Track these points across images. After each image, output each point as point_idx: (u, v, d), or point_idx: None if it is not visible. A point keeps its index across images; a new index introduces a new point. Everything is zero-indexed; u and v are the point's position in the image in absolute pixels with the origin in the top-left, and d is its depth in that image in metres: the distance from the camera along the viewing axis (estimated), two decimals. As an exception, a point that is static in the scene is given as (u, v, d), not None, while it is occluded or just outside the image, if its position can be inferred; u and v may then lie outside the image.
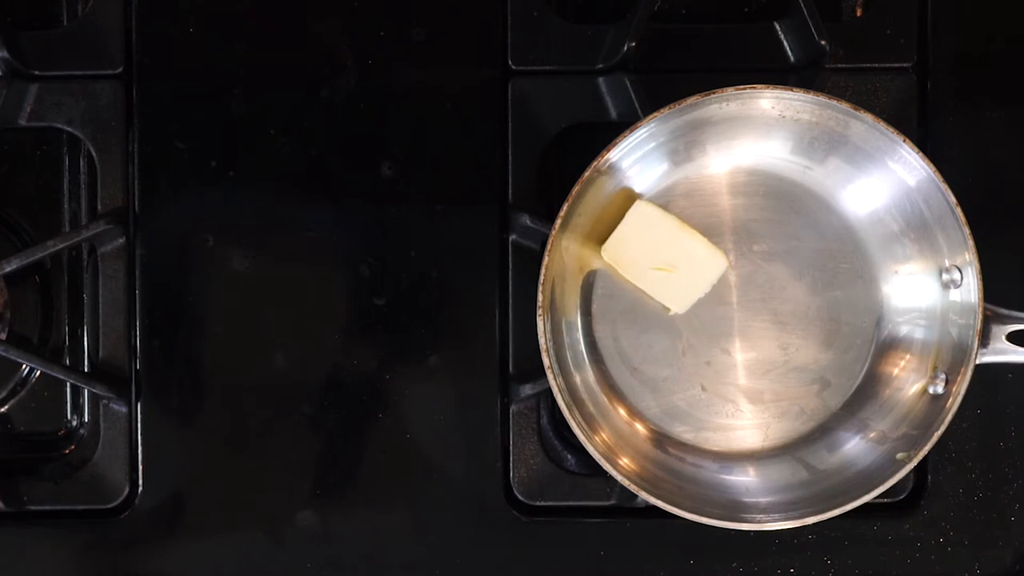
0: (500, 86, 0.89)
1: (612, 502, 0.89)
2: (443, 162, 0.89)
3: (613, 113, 0.89)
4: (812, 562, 0.90)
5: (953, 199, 0.81)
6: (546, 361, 0.81)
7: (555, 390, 0.81)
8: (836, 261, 0.88)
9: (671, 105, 0.81)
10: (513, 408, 0.89)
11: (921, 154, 0.81)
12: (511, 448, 0.89)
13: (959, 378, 0.82)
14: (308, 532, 0.89)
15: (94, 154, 0.89)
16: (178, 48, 0.89)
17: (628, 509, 0.88)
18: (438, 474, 0.89)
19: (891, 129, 0.81)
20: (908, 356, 0.87)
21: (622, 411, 0.87)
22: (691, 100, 0.81)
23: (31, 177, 0.91)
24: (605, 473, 0.88)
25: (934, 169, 0.81)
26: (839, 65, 0.89)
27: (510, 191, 0.89)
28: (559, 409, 0.90)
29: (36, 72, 0.88)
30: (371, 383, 0.89)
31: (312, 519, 0.89)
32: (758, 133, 0.85)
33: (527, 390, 0.87)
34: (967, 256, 0.81)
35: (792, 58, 0.90)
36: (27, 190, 0.91)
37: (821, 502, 0.83)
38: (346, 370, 0.89)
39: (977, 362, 0.82)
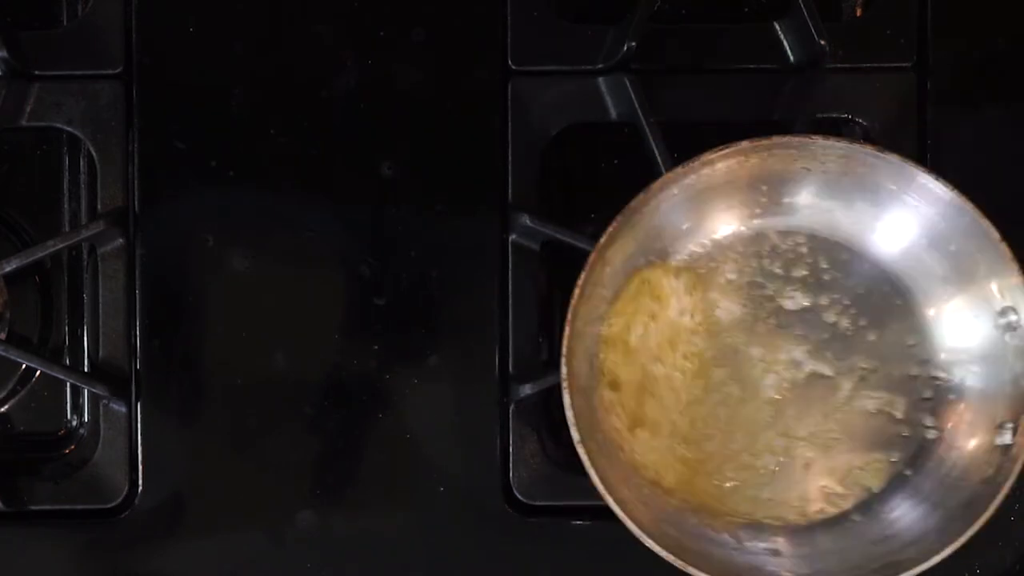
0: (500, 86, 0.89)
1: (612, 502, 0.89)
2: (443, 162, 0.89)
3: (613, 113, 0.89)
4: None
5: (997, 234, 0.79)
6: (576, 436, 0.79)
7: (588, 467, 0.79)
8: (876, 308, 0.85)
9: (686, 165, 0.79)
10: (513, 408, 0.89)
11: (957, 192, 0.80)
12: (511, 448, 0.89)
13: None
14: (308, 532, 0.89)
15: (94, 154, 0.89)
16: (178, 48, 0.89)
17: (628, 509, 0.88)
18: (438, 474, 0.89)
19: (920, 168, 0.80)
20: (963, 407, 0.84)
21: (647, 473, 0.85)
22: (706, 157, 0.79)
23: (31, 177, 0.91)
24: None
25: (972, 207, 0.79)
26: (839, 65, 0.89)
27: (510, 191, 0.89)
28: (557, 408, 0.90)
29: (36, 72, 0.88)
30: (371, 383, 0.89)
31: (312, 519, 0.89)
32: (779, 183, 0.84)
33: (527, 390, 0.87)
34: (1019, 293, 0.80)
35: (792, 58, 0.90)
36: (27, 190, 0.91)
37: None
38: (346, 370, 0.89)
39: None
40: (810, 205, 0.84)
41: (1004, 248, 0.80)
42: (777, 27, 0.90)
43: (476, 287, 0.89)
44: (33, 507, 0.89)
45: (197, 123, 0.89)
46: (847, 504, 0.84)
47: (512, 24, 0.89)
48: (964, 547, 0.90)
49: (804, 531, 0.84)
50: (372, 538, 0.89)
